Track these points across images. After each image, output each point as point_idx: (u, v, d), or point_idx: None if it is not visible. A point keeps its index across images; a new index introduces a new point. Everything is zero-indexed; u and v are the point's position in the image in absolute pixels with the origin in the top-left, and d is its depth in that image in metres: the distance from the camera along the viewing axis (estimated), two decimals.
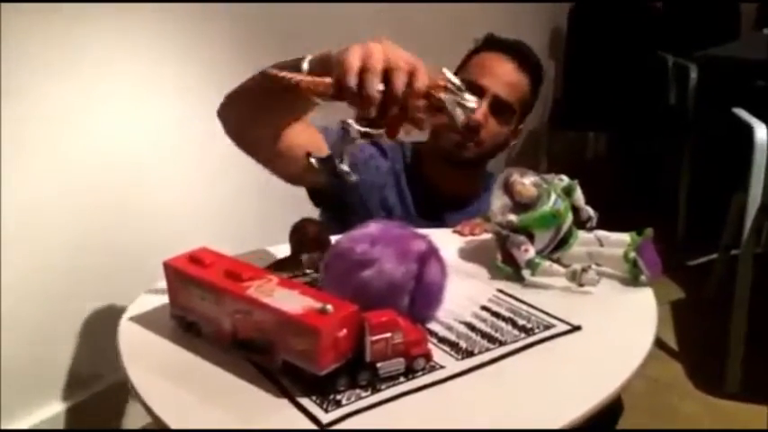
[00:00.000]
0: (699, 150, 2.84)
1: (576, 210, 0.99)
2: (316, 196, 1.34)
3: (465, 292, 0.92)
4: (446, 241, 0.90)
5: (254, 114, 1.03)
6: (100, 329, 1.66)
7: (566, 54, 3.36)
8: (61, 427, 1.65)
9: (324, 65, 0.86)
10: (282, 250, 1.06)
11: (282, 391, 0.71)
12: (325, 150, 1.09)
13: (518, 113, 1.33)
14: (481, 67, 1.30)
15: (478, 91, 1.25)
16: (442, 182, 1.36)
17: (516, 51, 1.31)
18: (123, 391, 1.69)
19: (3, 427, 1.52)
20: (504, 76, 1.29)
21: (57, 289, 1.58)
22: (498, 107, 1.29)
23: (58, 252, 1.57)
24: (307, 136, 1.13)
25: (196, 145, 1.85)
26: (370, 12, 2.21)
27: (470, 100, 0.82)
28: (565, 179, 1.00)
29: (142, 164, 1.73)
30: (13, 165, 1.45)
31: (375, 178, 1.33)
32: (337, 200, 1.30)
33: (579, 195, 1.00)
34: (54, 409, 1.64)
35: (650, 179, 3.27)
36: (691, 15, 3.25)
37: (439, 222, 1.25)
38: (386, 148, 1.36)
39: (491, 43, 1.34)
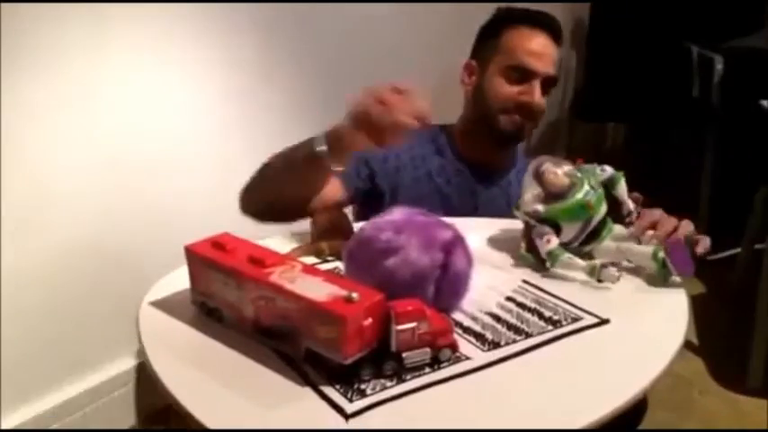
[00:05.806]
0: (722, 143, 2.79)
1: (618, 203, 0.96)
2: None
3: (489, 282, 0.91)
4: (471, 230, 0.88)
5: (283, 191, 1.11)
6: (106, 315, 1.65)
7: (588, 44, 3.30)
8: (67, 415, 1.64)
9: (337, 138, 0.99)
10: (303, 237, 1.06)
11: (306, 380, 0.70)
12: (341, 194, 1.23)
13: None
14: (526, 49, 1.29)
15: (530, 74, 1.28)
16: (482, 159, 1.36)
17: (549, 24, 1.33)
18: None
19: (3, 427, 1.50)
20: (548, 53, 1.30)
21: (65, 275, 1.57)
22: (548, 84, 1.30)
23: (70, 238, 1.56)
24: (327, 189, 1.17)
25: (214, 131, 1.83)
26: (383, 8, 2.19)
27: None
28: (608, 170, 0.96)
29: (158, 150, 1.71)
30: (22, 149, 1.43)
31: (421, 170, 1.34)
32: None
33: (623, 188, 0.96)
34: (55, 399, 1.62)
35: (671, 171, 3.23)
36: (715, 6, 3.19)
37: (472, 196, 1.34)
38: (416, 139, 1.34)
39: (523, 18, 1.33)
